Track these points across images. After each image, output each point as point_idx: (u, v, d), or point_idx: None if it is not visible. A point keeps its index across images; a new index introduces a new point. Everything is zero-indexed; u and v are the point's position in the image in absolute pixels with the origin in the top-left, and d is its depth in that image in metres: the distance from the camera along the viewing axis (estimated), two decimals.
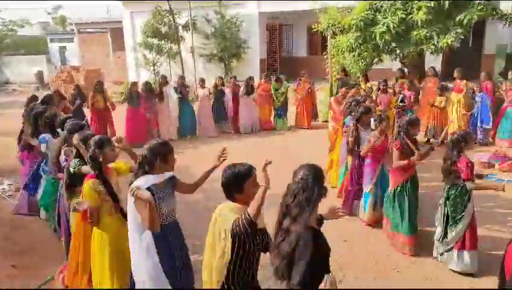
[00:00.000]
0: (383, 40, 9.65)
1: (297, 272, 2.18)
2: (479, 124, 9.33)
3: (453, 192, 4.39)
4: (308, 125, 11.49)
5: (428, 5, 9.09)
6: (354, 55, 10.66)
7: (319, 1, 11.89)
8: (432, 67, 10.53)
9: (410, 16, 9.41)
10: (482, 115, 9.32)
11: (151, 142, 3.17)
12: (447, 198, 4.44)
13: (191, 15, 15.99)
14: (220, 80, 11.32)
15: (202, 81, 11.17)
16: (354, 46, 10.22)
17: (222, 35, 16.16)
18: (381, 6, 9.87)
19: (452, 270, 4.40)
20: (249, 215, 2.38)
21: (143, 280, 3.05)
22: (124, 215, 3.57)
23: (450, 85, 10.23)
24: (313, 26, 11.91)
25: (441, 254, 4.55)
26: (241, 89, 11.16)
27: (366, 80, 10.32)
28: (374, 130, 5.50)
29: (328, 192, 2.46)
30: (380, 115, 5.60)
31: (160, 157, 3.07)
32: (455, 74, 9.86)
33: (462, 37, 9.55)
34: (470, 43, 15.17)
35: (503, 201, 6.07)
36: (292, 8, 15.35)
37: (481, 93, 9.31)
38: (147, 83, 10.51)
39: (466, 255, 4.35)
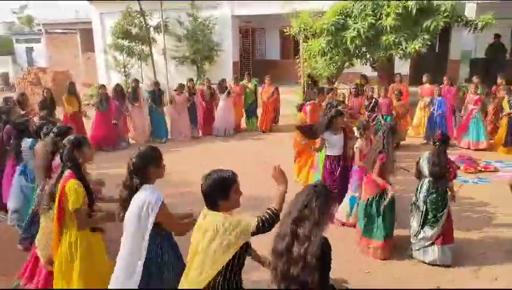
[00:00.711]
0: (354, 44, 9.84)
1: (325, 275, 2.34)
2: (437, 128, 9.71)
3: (434, 191, 4.59)
4: (265, 129, 11.55)
5: (397, 11, 9.34)
6: (325, 59, 10.83)
7: (291, 3, 12.02)
8: (398, 73, 10.82)
9: (379, 22, 9.64)
10: (439, 119, 9.68)
11: (140, 149, 3.01)
12: (427, 196, 4.62)
13: (162, 16, 15.80)
14: (190, 82, 11.25)
15: (181, 86, 10.98)
16: (325, 50, 10.38)
17: (194, 37, 16.05)
18: (352, 12, 10.08)
19: (431, 264, 4.60)
20: (276, 210, 2.51)
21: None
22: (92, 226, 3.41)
23: (416, 89, 10.58)
24: (285, 30, 12.02)
25: (418, 249, 4.71)
26: (218, 92, 11.16)
27: (330, 84, 10.48)
28: (358, 138, 5.50)
29: None
30: (364, 122, 5.64)
31: (153, 163, 2.94)
32: (424, 79, 10.25)
33: (429, 43, 9.84)
34: (437, 48, 15.65)
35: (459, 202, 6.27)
36: (264, 12, 15.43)
37: (439, 97, 9.64)
38: (118, 85, 10.33)
39: (447, 249, 4.61)
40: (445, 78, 10.27)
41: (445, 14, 9.46)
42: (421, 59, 13.63)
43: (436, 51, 15.63)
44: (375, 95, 9.55)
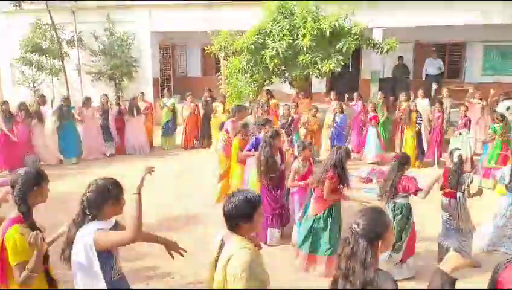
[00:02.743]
0: (273, 63, 10.12)
1: None
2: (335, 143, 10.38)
3: (398, 211, 4.75)
4: (186, 146, 11.52)
5: (312, 32, 9.80)
6: (246, 77, 11.00)
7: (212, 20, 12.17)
8: (303, 92, 11.34)
9: (296, 42, 10.03)
10: (337, 134, 10.35)
11: (98, 181, 2.63)
12: (393, 217, 4.72)
13: (76, 30, 15.06)
14: (105, 98, 10.86)
15: (87, 100, 10.55)
16: (246, 68, 10.56)
17: (112, 52, 15.45)
18: (270, 32, 10.38)
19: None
20: None
21: None
22: (49, 278, 2.85)
23: (323, 106, 11.31)
24: (207, 48, 12.05)
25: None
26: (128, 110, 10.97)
27: (223, 102, 10.81)
28: (296, 157, 5.47)
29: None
30: (303, 142, 5.66)
31: (113, 199, 2.60)
32: (331, 96, 11.01)
33: (343, 63, 10.43)
34: (350, 68, 16.65)
35: None
36: (185, 29, 15.35)
37: (342, 114, 10.31)
38: (22, 104, 9.65)
39: (410, 261, 4.81)
40: (355, 94, 11.05)
41: (355, 37, 10.12)
42: (336, 78, 14.41)
43: (350, 70, 16.63)
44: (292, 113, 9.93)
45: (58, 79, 15.86)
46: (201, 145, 11.58)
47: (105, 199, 2.57)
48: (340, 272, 2.09)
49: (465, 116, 9.42)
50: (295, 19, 10.32)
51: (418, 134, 9.83)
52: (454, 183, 5.00)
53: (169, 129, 11.72)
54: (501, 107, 10.06)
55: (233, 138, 6.89)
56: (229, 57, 11.51)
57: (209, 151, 11.05)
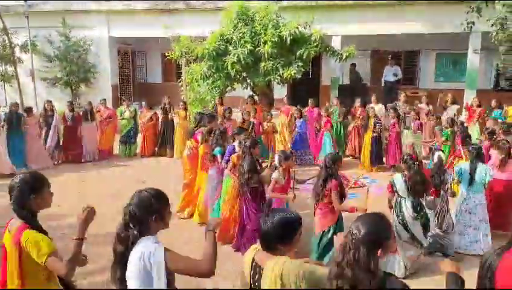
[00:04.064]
0: (234, 69, 10.15)
1: None
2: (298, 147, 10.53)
3: (422, 207, 5.00)
4: (146, 154, 11.31)
5: (273, 39, 9.92)
6: (207, 83, 10.97)
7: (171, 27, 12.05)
8: (250, 96, 11.40)
9: (258, 49, 10.11)
10: (300, 139, 10.49)
11: (141, 194, 2.39)
12: (418, 212, 4.96)
13: (30, 35, 14.49)
14: (48, 104, 10.46)
15: (29, 109, 10.15)
16: (207, 74, 10.53)
17: (68, 58, 14.95)
18: (232, 38, 10.41)
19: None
20: None
21: None
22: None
23: (274, 112, 11.56)
24: (167, 54, 11.92)
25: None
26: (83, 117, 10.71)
27: (185, 108, 10.81)
28: (277, 167, 5.24)
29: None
30: (286, 152, 5.47)
31: (156, 214, 2.35)
32: (284, 100, 11.55)
33: (303, 70, 10.61)
34: (310, 75, 16.95)
35: None
36: (144, 35, 15.13)
37: (301, 119, 10.47)
38: None
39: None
40: (310, 100, 11.27)
41: (315, 44, 10.33)
42: (296, 84, 14.62)
43: (310, 77, 16.93)
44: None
45: (11, 86, 15.20)
46: (159, 153, 11.30)
47: (148, 213, 2.33)
48: (345, 282, 1.92)
49: (417, 119, 9.89)
50: (256, 26, 10.41)
51: (375, 139, 10.02)
52: (438, 182, 5.34)
53: (131, 137, 11.40)
54: (450, 113, 10.53)
55: (200, 146, 6.74)
56: (190, 63, 11.45)
57: (171, 159, 10.86)
